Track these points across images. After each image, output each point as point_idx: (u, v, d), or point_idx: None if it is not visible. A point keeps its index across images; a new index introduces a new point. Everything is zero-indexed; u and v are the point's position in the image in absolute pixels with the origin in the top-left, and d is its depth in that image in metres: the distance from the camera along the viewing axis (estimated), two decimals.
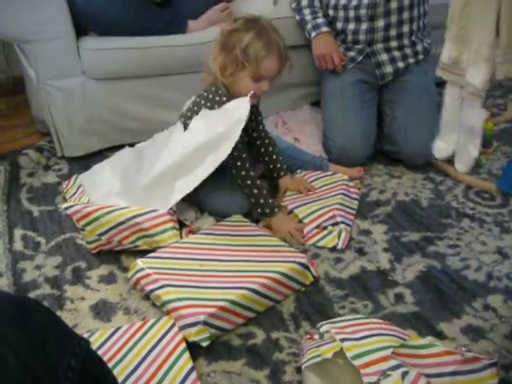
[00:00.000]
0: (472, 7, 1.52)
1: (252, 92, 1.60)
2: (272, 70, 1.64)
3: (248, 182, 1.63)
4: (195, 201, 1.72)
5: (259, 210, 1.64)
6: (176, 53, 2.09)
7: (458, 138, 1.65)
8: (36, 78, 2.04)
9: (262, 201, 1.63)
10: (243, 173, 1.62)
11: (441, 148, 1.62)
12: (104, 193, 1.76)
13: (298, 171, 1.92)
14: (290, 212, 1.70)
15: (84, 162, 2.09)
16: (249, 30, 1.61)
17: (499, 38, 1.49)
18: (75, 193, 1.86)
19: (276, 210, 1.64)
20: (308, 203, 1.73)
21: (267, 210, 1.64)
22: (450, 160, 1.99)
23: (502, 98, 2.73)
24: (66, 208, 1.59)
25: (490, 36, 1.51)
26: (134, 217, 1.52)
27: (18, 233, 1.71)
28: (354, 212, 1.76)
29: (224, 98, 1.62)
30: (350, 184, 1.85)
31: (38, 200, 1.88)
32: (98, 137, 2.14)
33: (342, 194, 1.78)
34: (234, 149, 1.55)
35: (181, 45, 2.10)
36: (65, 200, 1.86)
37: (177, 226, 1.57)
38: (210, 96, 1.65)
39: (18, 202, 1.87)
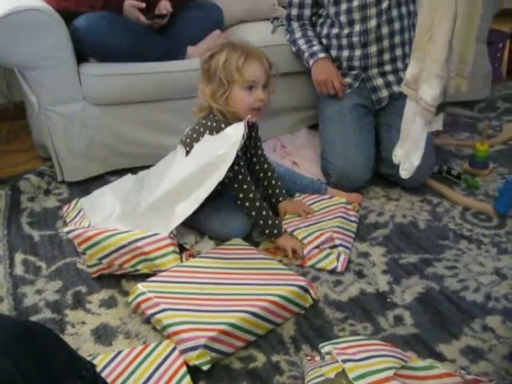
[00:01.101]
0: (433, 31, 1.58)
1: (249, 116, 1.62)
2: (257, 72, 1.67)
3: (257, 204, 1.65)
4: (195, 224, 1.74)
5: (267, 231, 1.66)
6: (176, 78, 2.12)
7: (404, 148, 1.72)
8: (37, 104, 2.06)
9: (270, 222, 1.65)
10: (251, 195, 1.64)
11: (398, 154, 1.70)
12: (105, 217, 1.77)
13: (297, 195, 1.94)
14: (290, 234, 1.71)
15: (84, 187, 2.11)
16: (223, 50, 1.67)
17: (452, 53, 1.55)
18: (76, 216, 1.87)
19: (283, 229, 1.67)
20: (307, 226, 1.74)
21: (275, 231, 1.65)
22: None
23: (496, 120, 2.76)
24: (68, 232, 1.61)
25: (442, 54, 1.57)
26: (135, 241, 1.54)
27: (19, 257, 1.71)
28: (353, 235, 1.77)
29: (223, 125, 1.65)
30: (349, 207, 1.87)
31: (39, 224, 1.89)
32: (99, 161, 2.16)
33: (341, 216, 1.79)
34: (238, 172, 1.59)
35: (180, 70, 2.13)
36: (65, 224, 1.86)
37: (177, 250, 1.58)
38: (209, 123, 1.68)
39: (18, 226, 1.88)
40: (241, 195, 1.64)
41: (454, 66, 1.59)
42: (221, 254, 1.59)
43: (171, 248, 1.55)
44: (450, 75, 1.61)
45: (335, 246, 1.65)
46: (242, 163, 1.64)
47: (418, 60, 1.67)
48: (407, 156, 1.74)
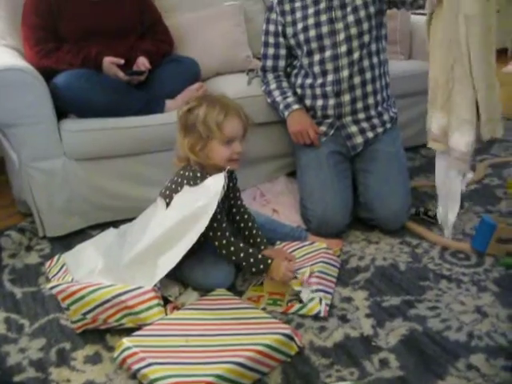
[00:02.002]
0: (455, 81, 1.64)
1: (227, 168, 1.66)
2: (236, 128, 1.72)
3: (231, 248, 1.66)
4: (178, 276, 1.74)
5: (254, 270, 1.67)
6: (155, 132, 2.16)
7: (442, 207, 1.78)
8: (18, 160, 2.07)
9: (251, 260, 1.66)
10: (224, 241, 1.66)
11: (440, 213, 1.88)
12: (87, 271, 1.76)
13: (278, 243, 1.96)
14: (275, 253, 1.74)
15: (66, 242, 2.10)
16: (201, 104, 1.70)
17: (479, 103, 1.61)
18: (58, 272, 1.86)
19: (269, 261, 1.66)
20: None
21: (261, 266, 1.66)
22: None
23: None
24: (51, 287, 1.60)
25: (472, 103, 1.62)
26: (119, 295, 1.54)
27: (1, 315, 1.70)
28: (335, 279, 1.79)
29: (199, 174, 1.68)
30: (330, 252, 1.89)
31: (21, 281, 1.88)
32: (80, 216, 2.16)
33: (322, 261, 1.81)
34: (213, 221, 1.59)
35: (159, 124, 2.16)
36: (48, 280, 1.86)
37: (161, 303, 1.58)
38: (187, 174, 1.70)
39: (0, 284, 1.87)
40: (216, 243, 1.66)
41: (483, 111, 1.64)
42: (205, 305, 1.59)
43: (155, 301, 1.55)
44: (483, 121, 1.66)
45: (317, 291, 1.67)
46: (217, 211, 1.64)
47: (443, 111, 1.71)
48: (445, 215, 1.82)
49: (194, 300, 1.67)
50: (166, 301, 1.64)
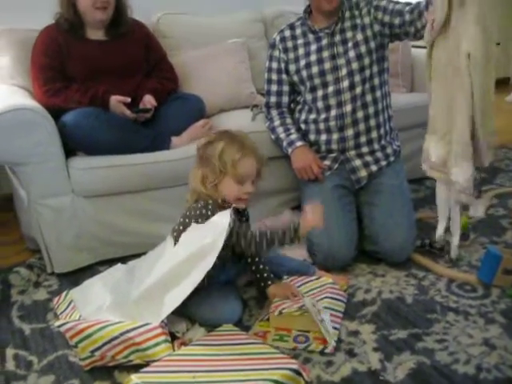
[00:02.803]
0: (453, 112, 1.67)
1: (234, 204, 1.69)
2: (250, 169, 1.75)
3: (257, 239, 1.68)
4: (185, 312, 1.74)
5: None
6: (161, 168, 2.19)
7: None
8: (27, 197, 2.10)
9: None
10: (252, 239, 1.68)
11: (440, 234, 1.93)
12: (95, 308, 1.77)
13: (285, 277, 1.96)
14: (280, 313, 1.71)
15: (74, 278, 2.12)
16: (221, 139, 1.74)
17: (476, 129, 1.63)
18: (66, 308, 1.87)
19: (269, 282, 1.78)
20: (296, 307, 1.74)
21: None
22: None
23: (474, 190, 2.84)
24: (59, 326, 1.61)
25: (467, 133, 1.65)
26: (127, 331, 1.55)
27: (10, 352, 1.70)
28: (341, 314, 1.78)
29: (209, 213, 1.70)
30: (336, 286, 1.89)
31: (29, 318, 1.89)
32: (88, 252, 2.18)
33: (328, 297, 1.81)
34: (231, 234, 1.64)
35: (165, 160, 2.20)
36: (56, 316, 1.86)
37: (169, 339, 1.58)
38: (198, 212, 1.72)
39: (9, 320, 1.88)
40: (243, 243, 1.68)
41: (482, 139, 1.67)
42: (212, 341, 1.59)
43: (163, 337, 1.56)
44: (484, 149, 1.69)
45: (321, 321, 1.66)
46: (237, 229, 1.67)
47: (443, 141, 1.74)
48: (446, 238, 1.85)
49: (201, 336, 1.67)
50: (173, 337, 1.65)
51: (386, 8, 2.10)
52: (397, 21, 2.05)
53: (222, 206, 1.72)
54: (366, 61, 2.14)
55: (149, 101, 2.30)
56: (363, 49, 2.14)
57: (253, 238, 1.66)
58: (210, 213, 1.69)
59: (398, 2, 2.10)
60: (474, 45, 1.60)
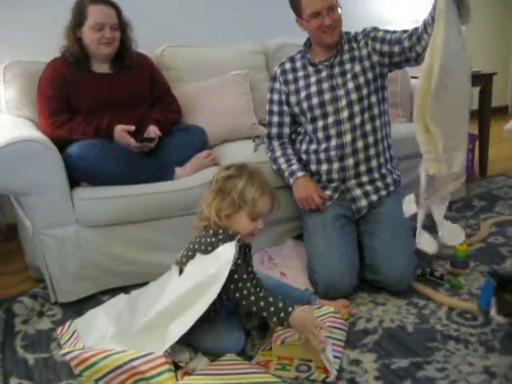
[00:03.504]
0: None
1: (239, 235, 1.72)
2: (267, 207, 1.82)
3: (252, 298, 1.67)
4: (189, 342, 1.75)
5: (275, 319, 1.66)
6: (165, 198, 2.21)
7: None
8: (31, 227, 2.12)
9: (272, 309, 1.65)
10: (245, 292, 1.68)
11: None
12: (99, 337, 1.79)
13: None
14: (282, 342, 1.72)
15: (78, 307, 2.13)
16: (241, 175, 1.79)
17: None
18: (70, 338, 1.88)
19: (290, 309, 1.65)
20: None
21: (282, 315, 1.64)
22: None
23: (474, 219, 2.87)
24: (64, 354, 1.63)
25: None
26: (131, 360, 1.56)
27: (14, 382, 1.71)
28: (343, 343, 1.79)
29: (220, 243, 1.72)
30: (337, 315, 1.90)
31: (33, 347, 1.90)
32: (92, 281, 2.20)
33: (331, 326, 1.81)
34: (233, 273, 1.65)
35: (169, 191, 2.23)
36: (59, 346, 1.87)
37: (172, 368, 1.59)
38: (208, 240, 1.74)
39: (13, 350, 1.88)
40: (237, 294, 1.68)
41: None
42: (215, 371, 1.61)
43: (166, 366, 1.57)
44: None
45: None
46: (237, 274, 1.68)
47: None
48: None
49: (204, 365, 1.68)
50: (176, 366, 1.66)
51: (383, 38, 2.15)
52: (396, 49, 2.09)
53: (231, 236, 1.75)
54: (365, 91, 2.19)
55: (153, 131, 2.34)
56: (361, 79, 2.19)
57: (248, 295, 1.67)
58: (220, 242, 1.72)
59: (394, 31, 2.15)
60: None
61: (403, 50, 2.06)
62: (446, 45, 1.64)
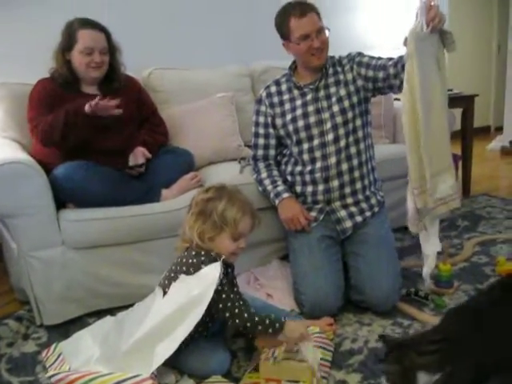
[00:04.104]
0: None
1: (223, 256, 1.74)
2: (248, 227, 1.84)
3: (245, 315, 1.69)
4: (175, 364, 1.75)
5: (271, 330, 1.69)
6: (151, 220, 2.22)
7: None
8: (17, 249, 2.11)
9: (267, 322, 1.69)
10: (237, 310, 1.69)
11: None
12: (85, 360, 1.78)
13: None
14: (274, 360, 1.71)
15: (63, 330, 2.12)
16: (221, 197, 1.80)
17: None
18: (55, 361, 1.86)
19: (283, 319, 1.71)
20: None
21: (277, 325, 1.69)
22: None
23: (457, 238, 2.90)
24: (50, 376, 1.62)
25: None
26: (118, 383, 1.55)
27: None
28: (329, 363, 1.79)
29: (202, 265, 1.73)
30: (323, 336, 1.90)
31: (18, 370, 1.88)
32: (77, 303, 2.18)
33: (317, 346, 1.80)
34: (220, 293, 1.67)
35: (155, 212, 2.24)
36: (45, 369, 1.85)
37: None
38: (190, 261, 1.75)
39: None
40: (227, 314, 1.69)
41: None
42: None
43: None
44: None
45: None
46: (225, 294, 1.70)
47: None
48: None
49: None
50: None
51: (368, 64, 2.19)
52: (381, 74, 2.13)
53: (214, 258, 1.76)
54: (350, 115, 2.22)
55: (142, 152, 2.35)
56: (346, 103, 2.22)
57: (240, 312, 1.69)
58: (202, 264, 1.73)
59: (380, 58, 2.19)
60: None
61: (388, 77, 2.10)
62: (422, 83, 1.72)
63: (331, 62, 2.29)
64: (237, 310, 1.69)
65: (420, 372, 1.33)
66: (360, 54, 2.26)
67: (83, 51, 2.31)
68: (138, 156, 2.35)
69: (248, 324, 1.69)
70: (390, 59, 2.11)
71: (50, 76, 2.40)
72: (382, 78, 2.12)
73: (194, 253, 1.76)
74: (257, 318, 1.69)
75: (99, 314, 2.18)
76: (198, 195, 1.86)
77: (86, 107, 2.17)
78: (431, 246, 2.03)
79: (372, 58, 2.22)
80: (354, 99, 2.24)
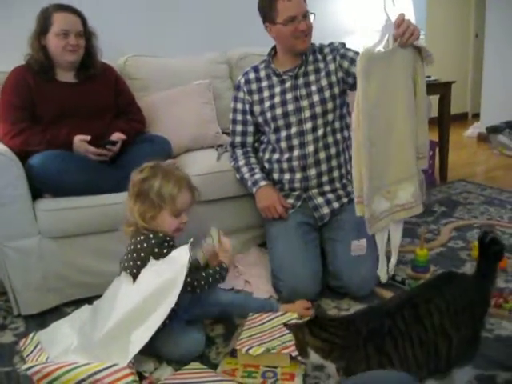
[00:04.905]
0: None
1: (191, 240, 1.74)
2: (187, 202, 1.85)
3: (202, 282, 1.77)
4: (152, 351, 1.75)
5: (218, 276, 1.82)
6: None
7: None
8: None
9: (210, 279, 1.79)
10: (202, 282, 1.76)
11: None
12: (63, 349, 1.77)
13: (250, 314, 1.96)
14: (248, 351, 1.73)
15: (41, 320, 2.11)
16: (156, 175, 1.82)
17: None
18: (33, 350, 1.85)
19: (224, 265, 1.86)
20: (262, 343, 1.76)
21: (223, 273, 1.84)
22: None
23: (434, 224, 2.94)
24: (27, 369, 1.61)
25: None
26: (95, 373, 1.54)
27: None
28: None
29: (155, 248, 1.75)
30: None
31: None
32: (54, 293, 2.17)
33: None
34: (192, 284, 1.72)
35: None
36: (22, 359, 1.84)
37: (137, 379, 1.57)
38: (140, 246, 1.77)
39: None
40: (198, 290, 1.77)
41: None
42: (180, 380, 1.61)
43: (131, 378, 1.55)
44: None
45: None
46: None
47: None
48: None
49: (168, 375, 1.68)
50: (140, 376, 1.65)
51: (352, 59, 2.18)
52: None
53: (163, 238, 1.78)
54: (330, 105, 2.22)
55: (117, 136, 2.33)
56: (327, 94, 2.22)
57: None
58: (151, 247, 1.75)
59: None
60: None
61: None
62: (371, 100, 1.75)
63: (311, 49, 2.28)
64: (195, 283, 1.75)
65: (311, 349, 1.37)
66: (344, 47, 2.26)
67: (59, 33, 2.29)
68: (113, 137, 2.33)
69: (206, 286, 1.77)
70: None
71: (25, 63, 2.37)
72: None
73: (142, 237, 1.78)
74: (210, 279, 1.78)
75: (77, 303, 2.17)
76: (134, 176, 1.87)
77: (81, 149, 2.22)
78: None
79: (356, 52, 2.20)
80: (336, 90, 2.24)
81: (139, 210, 1.78)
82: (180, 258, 1.68)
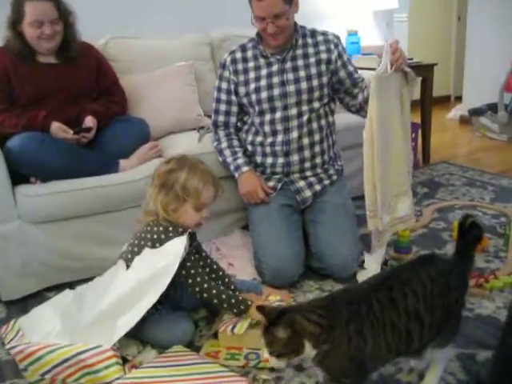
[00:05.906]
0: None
1: (189, 231, 1.75)
2: (211, 196, 1.83)
3: (213, 291, 1.71)
4: (137, 334, 1.75)
5: (235, 311, 1.72)
6: (110, 192, 2.19)
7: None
8: None
9: (233, 301, 1.71)
10: (206, 285, 1.71)
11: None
12: (45, 333, 1.76)
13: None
14: (232, 329, 1.73)
15: (22, 305, 2.10)
16: (182, 168, 1.79)
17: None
18: (15, 336, 1.84)
19: (249, 302, 1.72)
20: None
21: (242, 307, 1.71)
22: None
23: (416, 205, 2.95)
24: (10, 348, 1.60)
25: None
26: (78, 354, 1.56)
27: None
28: None
29: (168, 239, 1.72)
30: (283, 304, 1.90)
31: None
32: (36, 278, 2.16)
33: None
34: (189, 268, 1.69)
35: (114, 184, 2.20)
36: (3, 345, 1.82)
37: (120, 361, 1.59)
38: (156, 236, 1.74)
39: None
40: (197, 288, 1.71)
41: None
42: (163, 363, 1.61)
43: (114, 360, 1.57)
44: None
45: None
46: (190, 263, 1.71)
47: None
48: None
49: (152, 358, 1.68)
50: (124, 360, 1.65)
51: (350, 73, 2.26)
52: (348, 82, 2.26)
53: (179, 231, 1.76)
54: (316, 94, 2.21)
55: (89, 120, 2.30)
56: (315, 82, 2.21)
57: (202, 282, 1.72)
58: (168, 239, 1.72)
59: (360, 76, 2.29)
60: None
61: (349, 102, 2.30)
62: (382, 122, 1.90)
63: (302, 33, 2.25)
64: (199, 279, 1.71)
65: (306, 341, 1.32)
66: (346, 55, 2.30)
67: (32, 24, 2.24)
68: (87, 122, 2.30)
69: (215, 300, 1.71)
70: (361, 87, 2.22)
71: (4, 45, 2.33)
72: (349, 92, 2.28)
73: (161, 228, 1.75)
74: (224, 296, 1.71)
75: (58, 288, 2.15)
76: (159, 167, 1.84)
77: (59, 135, 2.20)
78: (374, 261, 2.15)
79: (356, 70, 2.29)
80: (324, 79, 2.23)
81: (162, 201, 1.76)
82: (175, 248, 1.67)
